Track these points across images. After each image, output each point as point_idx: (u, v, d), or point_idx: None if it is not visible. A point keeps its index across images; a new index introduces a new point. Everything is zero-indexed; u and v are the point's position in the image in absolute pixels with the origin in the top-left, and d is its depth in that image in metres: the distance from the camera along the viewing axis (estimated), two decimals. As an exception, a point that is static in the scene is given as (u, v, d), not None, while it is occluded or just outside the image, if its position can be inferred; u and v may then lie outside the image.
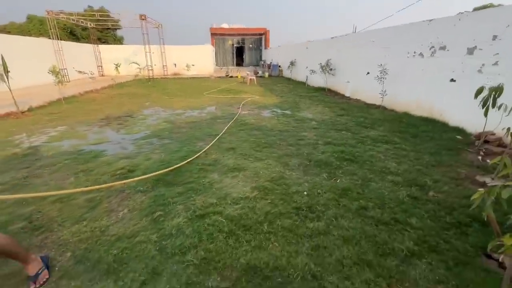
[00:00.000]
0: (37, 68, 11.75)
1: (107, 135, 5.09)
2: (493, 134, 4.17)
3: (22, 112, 6.62)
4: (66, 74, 13.62)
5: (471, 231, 2.18)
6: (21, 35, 15.45)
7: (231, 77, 18.38)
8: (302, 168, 3.46)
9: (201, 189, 2.92)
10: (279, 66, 19.32)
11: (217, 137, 4.73)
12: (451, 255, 1.93)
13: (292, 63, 15.43)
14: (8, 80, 6.11)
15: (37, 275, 1.71)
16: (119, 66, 14.36)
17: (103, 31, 26.18)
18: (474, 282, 1.71)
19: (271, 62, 20.91)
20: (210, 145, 4.34)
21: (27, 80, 11.17)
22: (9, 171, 3.41)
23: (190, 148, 4.22)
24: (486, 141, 4.15)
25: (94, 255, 1.96)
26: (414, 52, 6.32)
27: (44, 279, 1.73)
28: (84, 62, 16.62)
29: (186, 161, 3.58)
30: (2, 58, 5.96)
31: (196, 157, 3.81)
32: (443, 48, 5.54)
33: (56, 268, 1.84)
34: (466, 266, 1.84)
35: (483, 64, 4.65)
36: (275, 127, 5.45)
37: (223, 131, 5.13)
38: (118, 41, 29.12)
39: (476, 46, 4.79)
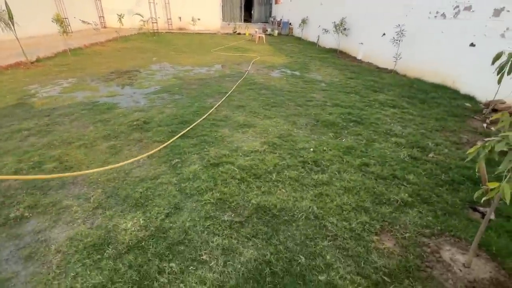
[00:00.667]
0: (39, 16, 11.28)
1: (118, 88, 5.16)
2: (503, 102, 4.16)
3: (31, 63, 6.61)
4: (68, 24, 13.07)
5: (462, 188, 2.38)
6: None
7: (239, 34, 17.49)
8: (309, 127, 3.59)
9: (213, 141, 3.10)
10: (290, 24, 18.17)
11: (226, 95, 4.79)
12: (440, 207, 2.16)
13: (303, 21, 14.50)
14: (14, 28, 5.98)
15: None
16: (122, 18, 13.65)
17: (102, -24, 24.18)
18: (457, 228, 1.95)
19: (281, 19, 19.62)
20: (220, 102, 4.42)
21: (32, 29, 10.81)
22: (32, 119, 3.60)
23: (201, 104, 4.32)
24: (494, 110, 4.15)
25: (122, 192, 2.23)
26: (437, 12, 5.92)
27: None
28: (85, 11, 15.78)
29: (202, 118, 3.71)
30: (6, 3, 5.75)
31: (207, 113, 3.93)
32: (468, 8, 5.18)
33: (92, 200, 2.11)
34: (452, 216, 2.07)
35: (507, 28, 4.41)
36: (284, 88, 5.44)
37: (232, 89, 5.15)
38: (119, -11, 27.07)
39: (504, 8, 4.49)
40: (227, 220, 1.95)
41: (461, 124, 3.81)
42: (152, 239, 1.75)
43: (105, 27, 17.74)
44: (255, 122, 3.69)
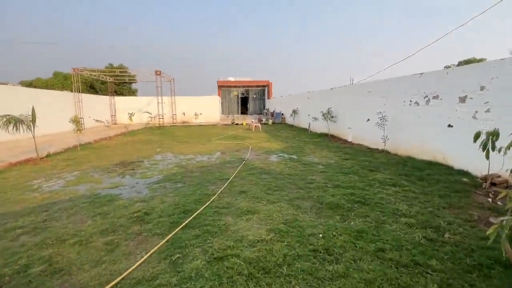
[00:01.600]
0: (58, 117, 12.58)
1: (121, 179, 5.26)
2: (499, 176, 4.27)
3: (41, 158, 6.93)
4: (83, 122, 14.46)
5: (494, 273, 2.15)
6: (46, 89, 16.89)
7: (237, 124, 19.27)
8: (314, 211, 3.50)
9: (217, 231, 2.95)
10: (282, 114, 20.37)
11: (228, 181, 4.87)
12: (478, 299, 1.89)
13: (294, 111, 16.32)
14: (34, 129, 6.57)
15: None
16: (133, 116, 15.29)
17: (119, 84, 28.50)
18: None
19: (274, 111, 22.12)
20: (222, 188, 4.45)
21: (48, 128, 11.86)
22: (29, 215, 3.50)
23: (203, 192, 4.33)
24: (492, 183, 4.22)
25: (115, 299, 1.95)
26: (410, 101, 6.81)
27: None
28: (100, 112, 17.77)
29: (204, 206, 3.66)
30: (33, 109, 6.53)
31: (210, 200, 3.90)
32: (436, 97, 6.01)
33: (78, 312, 1.83)
34: (495, 310, 1.79)
35: (476, 111, 5.00)
36: (284, 171, 5.60)
37: (234, 175, 5.28)
38: (133, 93, 31.44)
39: (466, 96, 5.22)
40: (236, 332, 1.64)
41: (466, 200, 3.77)
42: None
43: (115, 123, 19.53)
44: (258, 207, 3.62)
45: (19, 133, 6.28)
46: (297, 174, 5.34)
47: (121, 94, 26.97)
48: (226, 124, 19.20)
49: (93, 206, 3.80)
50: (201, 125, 18.64)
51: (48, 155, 7.44)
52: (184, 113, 21.30)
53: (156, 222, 3.22)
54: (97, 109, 17.57)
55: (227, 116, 26.10)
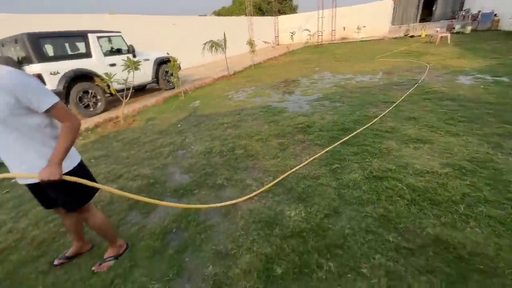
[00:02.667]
0: (237, 40, 15.10)
1: (286, 95, 5.95)
2: None
3: (230, 75, 8.97)
4: (255, 44, 16.61)
5: None
6: (228, 16, 20.06)
7: (412, 36, 15.18)
8: (528, 155, 2.51)
9: (377, 153, 2.87)
10: (495, 15, 13.55)
11: (394, 104, 4.29)
12: None
13: (524, 7, 10.32)
14: (225, 51, 8.36)
15: (117, 256, 1.88)
16: (294, 34, 15.61)
17: (282, 2, 28.83)
18: None
19: (479, 11, 15.02)
20: (386, 112, 4.03)
21: (232, 50, 14.71)
22: (229, 116, 4.87)
23: (363, 113, 4.13)
24: None
25: (287, 184, 2.53)
26: None
27: (111, 264, 1.83)
28: (266, 33, 19.43)
29: (364, 127, 3.58)
30: (224, 35, 8.15)
31: (371, 122, 3.70)
32: None
33: (264, 184, 2.56)
34: None
35: None
36: (480, 98, 4.13)
37: (401, 99, 4.54)
38: (293, 10, 31.20)
39: None
40: (392, 242, 1.74)
41: None
42: (312, 234, 1.87)
43: (278, 44, 20.93)
44: (432, 137, 3.06)
45: (217, 54, 8.23)
46: (507, 104, 3.78)
47: (283, 12, 27.45)
48: (396, 38, 15.62)
49: (267, 114, 4.67)
50: (363, 41, 16.26)
51: (234, 73, 9.48)
52: (344, 28, 19.10)
53: (317, 134, 3.55)
54: (264, 31, 19.26)
55: (399, 27, 20.78)
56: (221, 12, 33.62)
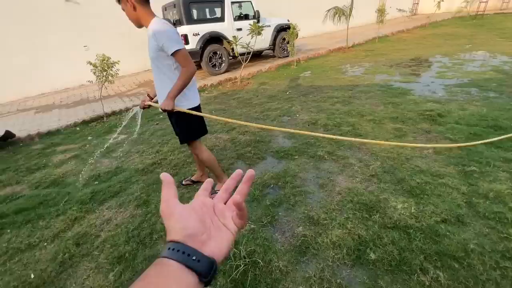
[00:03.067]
0: (366, 8, 13.29)
1: (414, 75, 4.98)
2: None
3: (348, 48, 8.20)
4: (387, 13, 14.23)
5: None
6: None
7: None
8: None
9: (546, 167, 2.08)
10: None
11: None
12: None
13: None
14: (349, 20, 7.58)
15: None
16: (442, 1, 12.29)
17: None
18: None
19: None
20: None
21: (356, 20, 13.19)
22: (340, 90, 4.57)
23: (534, 111, 3.00)
24: None
25: (399, 173, 2.23)
26: None
27: None
28: (403, 0, 16.19)
29: (525, 125, 2.64)
30: (352, 1, 7.32)
31: (545, 124, 2.66)
32: None
33: (370, 168, 2.35)
34: None
35: None
36: None
37: None
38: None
39: None
40: (545, 282, 1.30)
41: None
42: (421, 234, 1.63)
43: (415, 14, 17.27)
44: None
45: (339, 23, 7.58)
46: None
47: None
48: None
49: (386, 94, 4.10)
50: (560, 10, 11.17)
51: (353, 45, 8.59)
52: (529, -9, 13.50)
53: (450, 127, 2.87)
54: (401, -3, 16.07)
55: None
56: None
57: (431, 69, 5.28)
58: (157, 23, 1.63)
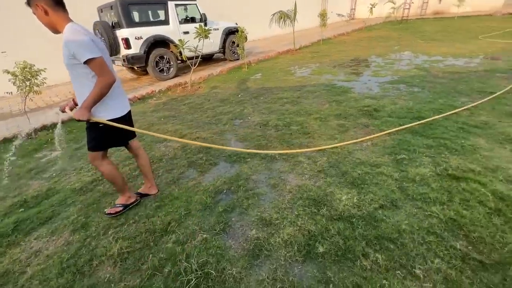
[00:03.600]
0: (307, 13, 14.14)
1: (354, 74, 5.43)
2: None
3: (295, 50, 8.60)
4: (328, 17, 15.33)
5: None
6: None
7: (537, 12, 11.75)
8: None
9: (458, 149, 2.44)
10: None
11: (493, 95, 3.51)
12: None
13: None
14: (294, 24, 7.95)
15: (126, 205, 2.08)
16: (374, 7, 13.71)
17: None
18: None
19: None
20: (479, 102, 3.34)
21: (300, 24, 13.93)
22: (289, 91, 4.75)
23: (447, 102, 3.51)
24: None
25: (342, 167, 2.39)
26: None
27: (118, 209, 2.07)
28: (340, 5, 17.65)
29: (440, 115, 3.07)
30: (295, 5, 7.70)
31: (456, 113, 3.13)
32: None
33: (317, 164, 2.47)
34: None
35: None
36: None
37: (505, 89, 3.67)
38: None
39: None
40: (460, 250, 1.50)
41: None
42: (362, 222, 1.76)
43: (353, 18, 18.92)
44: (542, 141, 2.42)
45: (285, 27, 7.90)
46: None
47: (365, -19, 24.23)
48: (512, 13, 12.34)
49: (330, 93, 4.38)
50: (464, 16, 13.37)
51: (300, 48, 9.04)
52: (440, 0, 15.93)
53: (385, 120, 3.19)
54: (339, 3, 17.51)
55: (520, -1, 16.27)
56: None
57: (367, 68, 5.83)
58: (69, 31, 1.51)
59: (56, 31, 1.57)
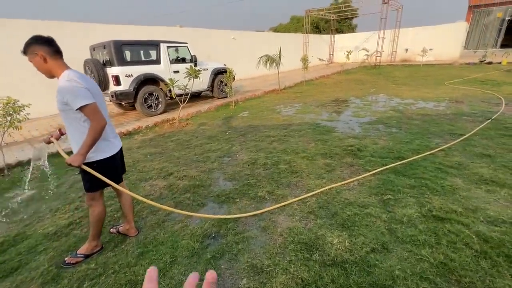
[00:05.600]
0: (291, 56, 15.33)
1: (336, 114, 5.76)
2: None
3: (280, 90, 9.09)
4: (309, 61, 16.63)
5: None
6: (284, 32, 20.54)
7: (490, 63, 13.48)
8: None
9: (438, 190, 2.55)
10: None
11: (462, 137, 3.81)
12: None
13: None
14: (279, 66, 8.54)
15: (88, 255, 1.96)
16: (350, 54, 15.19)
17: (341, 21, 28.54)
18: None
19: None
20: (451, 144, 3.60)
21: (285, 66, 14.96)
22: (276, 129, 4.90)
23: (423, 143, 3.75)
24: None
25: (332, 208, 2.40)
26: None
27: (79, 260, 1.93)
28: (321, 50, 19.36)
29: (419, 156, 3.25)
30: (280, 50, 8.37)
31: (432, 154, 3.34)
32: None
33: (307, 205, 2.47)
34: None
35: None
36: None
37: (473, 132, 4.01)
38: (352, 29, 30.57)
39: None
40: (454, 297, 1.49)
41: None
42: (356, 267, 1.72)
43: (331, 62, 20.61)
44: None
45: (271, 68, 8.45)
46: None
47: (341, 31, 27.08)
48: (469, 63, 14.02)
49: (315, 132, 4.57)
50: (428, 65, 15.01)
51: (284, 88, 9.58)
52: (406, 50, 17.94)
53: (368, 160, 3.33)
54: (319, 48, 19.22)
55: (474, 52, 18.69)
56: (278, 29, 34.72)
57: (348, 109, 6.22)
58: (65, 78, 1.57)
59: (51, 76, 1.62)
